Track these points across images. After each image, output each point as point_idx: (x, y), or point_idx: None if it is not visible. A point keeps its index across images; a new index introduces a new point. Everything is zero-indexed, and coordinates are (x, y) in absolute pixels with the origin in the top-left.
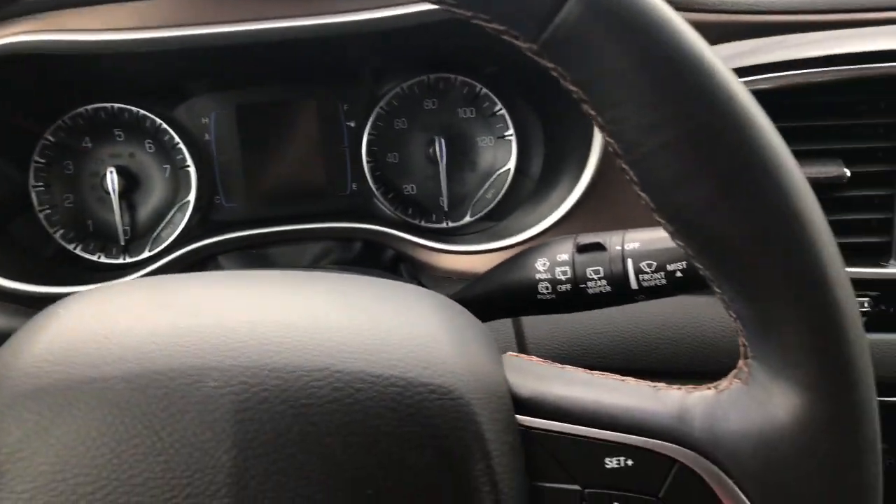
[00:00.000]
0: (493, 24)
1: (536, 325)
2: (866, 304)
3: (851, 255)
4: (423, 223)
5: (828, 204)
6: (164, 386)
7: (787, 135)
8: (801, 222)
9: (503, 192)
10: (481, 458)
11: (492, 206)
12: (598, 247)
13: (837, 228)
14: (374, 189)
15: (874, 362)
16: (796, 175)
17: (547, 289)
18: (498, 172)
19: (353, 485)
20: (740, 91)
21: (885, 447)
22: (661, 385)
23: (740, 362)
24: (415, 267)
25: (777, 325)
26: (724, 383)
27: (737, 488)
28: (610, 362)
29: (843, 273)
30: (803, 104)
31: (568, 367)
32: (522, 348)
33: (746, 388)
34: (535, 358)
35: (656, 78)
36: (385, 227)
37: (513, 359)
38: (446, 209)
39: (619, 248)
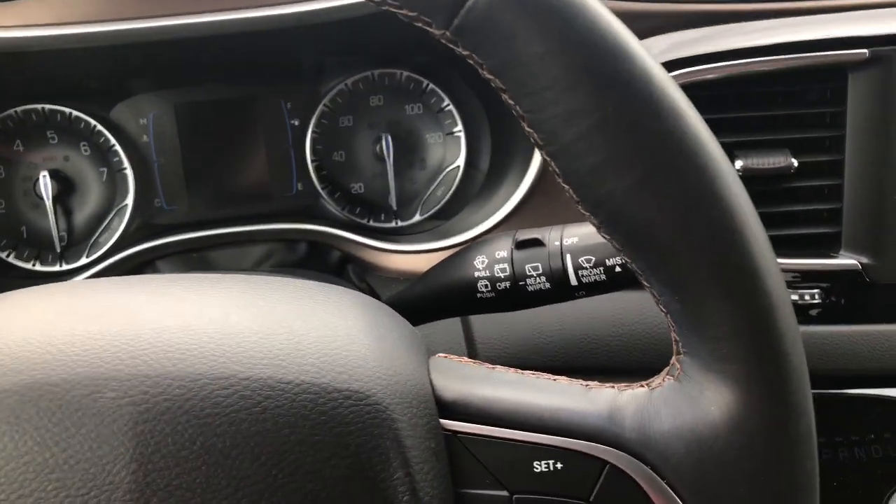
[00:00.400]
0: (404, 11)
1: (486, 325)
2: (817, 297)
3: (801, 246)
4: (371, 223)
5: (776, 195)
6: (59, 398)
7: (734, 125)
8: (727, 211)
9: (453, 189)
10: (400, 466)
11: (442, 203)
12: (537, 242)
13: (786, 219)
14: (319, 189)
15: (827, 355)
16: (721, 162)
17: (486, 287)
18: (448, 169)
19: (263, 498)
20: (660, 76)
21: (841, 440)
22: (594, 384)
23: (673, 358)
24: (361, 268)
25: (706, 318)
26: (656, 380)
27: (669, 489)
28: (562, 362)
29: (773, 262)
30: (750, 94)
31: (498, 368)
32: (472, 349)
33: (679, 385)
34: (465, 359)
35: (571, 64)
36: (331, 227)
37: (441, 360)
38: (395, 208)
39: (557, 243)
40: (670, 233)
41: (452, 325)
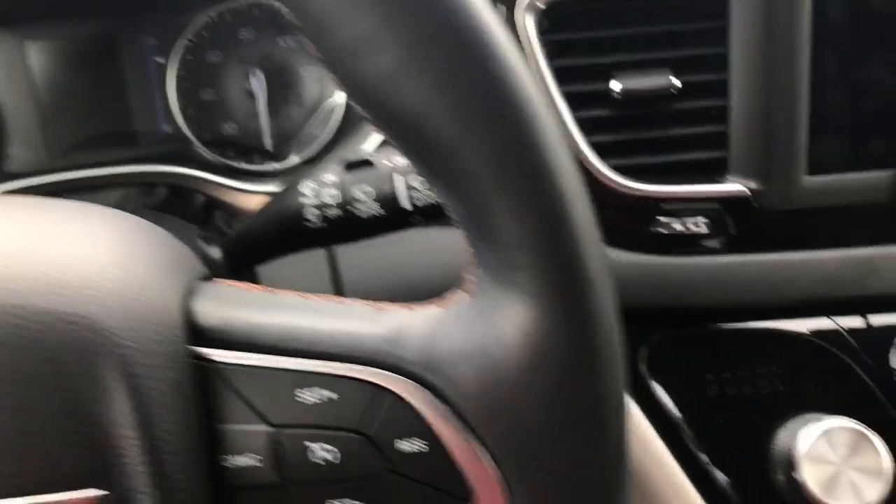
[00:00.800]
0: None
1: (356, 262)
2: (703, 226)
3: (687, 172)
4: (245, 166)
5: (659, 118)
6: None
7: (612, 44)
8: (507, 96)
9: (333, 127)
10: (128, 399)
11: (321, 143)
12: (367, 163)
13: (671, 144)
14: (187, 131)
15: (716, 288)
16: (501, 42)
17: (316, 215)
18: (327, 106)
19: None
20: None
21: (729, 376)
22: (387, 305)
23: (467, 272)
24: (229, 213)
25: (491, 222)
26: (452, 297)
27: (456, 417)
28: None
29: (564, 159)
30: (627, 8)
31: (282, 293)
32: (338, 290)
33: (472, 301)
34: (250, 285)
35: None
36: (196, 169)
37: (216, 287)
38: (271, 149)
39: (388, 163)
40: (442, 123)
41: (317, 265)
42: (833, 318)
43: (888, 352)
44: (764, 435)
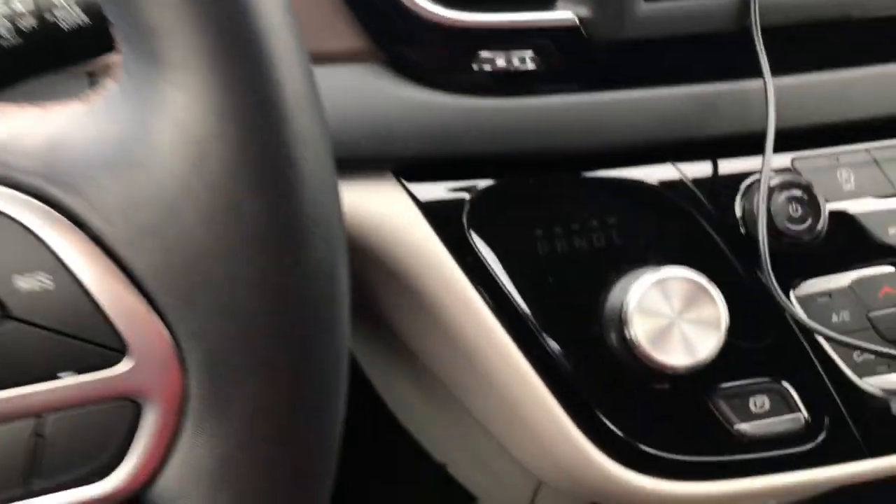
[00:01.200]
0: None
1: None
2: (529, 60)
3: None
4: None
5: None
6: None
7: None
8: None
9: None
10: None
11: None
12: None
13: None
14: None
15: (544, 131)
16: None
17: (7, 29)
18: None
19: None
20: None
21: (560, 230)
22: (11, 106)
23: (114, 52)
24: None
25: None
26: (96, 91)
27: (93, 243)
28: None
29: None
30: None
31: None
32: None
33: (118, 92)
34: None
35: None
36: None
37: None
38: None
39: None
40: None
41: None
42: (675, 164)
43: (733, 200)
44: (598, 293)
